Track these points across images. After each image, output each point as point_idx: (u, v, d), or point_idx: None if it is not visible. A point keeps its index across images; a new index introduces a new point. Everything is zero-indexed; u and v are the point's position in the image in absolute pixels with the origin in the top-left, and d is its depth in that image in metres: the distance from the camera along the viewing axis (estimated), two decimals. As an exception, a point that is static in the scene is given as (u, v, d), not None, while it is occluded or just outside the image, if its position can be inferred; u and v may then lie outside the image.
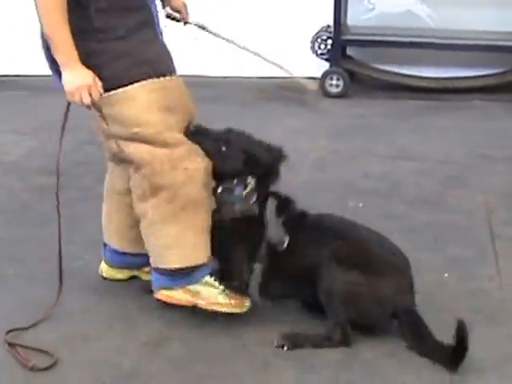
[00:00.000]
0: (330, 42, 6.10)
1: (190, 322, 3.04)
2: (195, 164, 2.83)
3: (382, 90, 6.29)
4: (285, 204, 3.01)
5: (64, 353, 2.86)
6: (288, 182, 3.88)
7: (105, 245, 3.30)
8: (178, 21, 3.21)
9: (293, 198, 3.06)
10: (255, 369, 2.78)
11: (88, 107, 2.79)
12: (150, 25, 2.84)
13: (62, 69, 2.68)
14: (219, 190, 2.91)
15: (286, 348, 2.87)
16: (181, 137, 2.84)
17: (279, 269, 2.94)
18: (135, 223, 3.03)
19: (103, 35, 2.71)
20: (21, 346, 2.86)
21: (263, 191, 2.96)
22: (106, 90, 2.76)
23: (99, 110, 2.86)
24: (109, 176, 3.23)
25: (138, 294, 3.24)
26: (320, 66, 6.20)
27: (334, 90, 6.15)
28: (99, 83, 2.72)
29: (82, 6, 2.68)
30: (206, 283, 2.92)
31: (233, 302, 2.93)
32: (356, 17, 6.25)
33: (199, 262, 2.89)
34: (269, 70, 5.86)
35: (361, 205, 4.17)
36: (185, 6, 3.26)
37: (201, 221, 2.88)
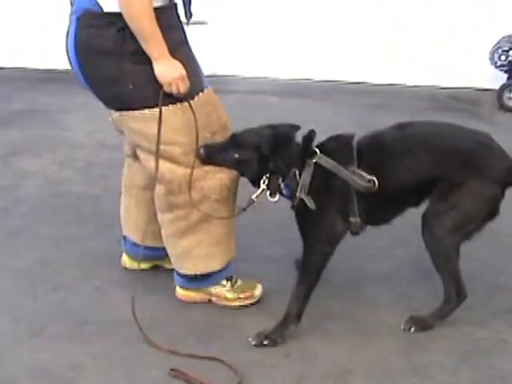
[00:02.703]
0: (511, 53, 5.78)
1: (371, 354, 2.84)
2: (214, 181, 2.91)
3: None
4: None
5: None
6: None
7: (124, 237, 3.34)
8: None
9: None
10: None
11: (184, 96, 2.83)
12: (184, 44, 2.89)
13: (154, 62, 2.73)
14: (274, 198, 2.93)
15: (412, 329, 2.92)
16: None
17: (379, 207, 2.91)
18: (154, 218, 3.10)
19: (139, 57, 2.74)
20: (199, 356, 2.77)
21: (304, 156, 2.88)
22: (135, 108, 2.82)
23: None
24: (127, 170, 3.26)
25: (316, 319, 3.05)
26: (498, 78, 5.92)
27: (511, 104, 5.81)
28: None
29: (118, 27, 2.72)
30: (217, 283, 3.09)
31: (242, 295, 3.09)
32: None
33: (211, 270, 3.06)
34: (442, 80, 6.04)
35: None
36: None
37: (216, 232, 2.99)
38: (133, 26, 2.69)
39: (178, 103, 2.82)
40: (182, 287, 3.13)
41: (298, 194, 2.85)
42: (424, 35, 6.13)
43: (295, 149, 2.91)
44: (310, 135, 2.94)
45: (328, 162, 2.84)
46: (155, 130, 2.80)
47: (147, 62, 2.74)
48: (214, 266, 3.04)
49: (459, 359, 2.79)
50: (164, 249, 3.15)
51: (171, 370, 2.69)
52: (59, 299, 3.18)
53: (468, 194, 2.80)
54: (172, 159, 2.88)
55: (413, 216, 3.58)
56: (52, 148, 5.04)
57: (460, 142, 2.86)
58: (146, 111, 2.81)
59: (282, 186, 2.90)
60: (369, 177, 2.79)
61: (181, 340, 2.89)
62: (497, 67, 5.77)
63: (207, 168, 2.91)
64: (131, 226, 3.28)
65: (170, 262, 3.19)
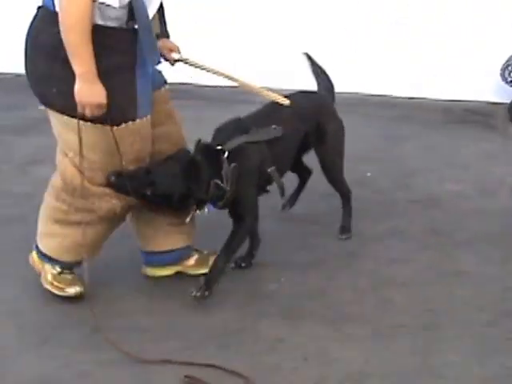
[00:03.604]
0: (520, 69, 5.81)
1: (388, 356, 2.88)
2: (107, 204, 3.01)
3: None
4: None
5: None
6: (484, 207, 4.01)
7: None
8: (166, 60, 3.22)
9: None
10: None
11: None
12: (128, 70, 2.84)
13: (77, 79, 2.71)
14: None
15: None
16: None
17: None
18: (148, 223, 3.24)
19: (71, 65, 2.73)
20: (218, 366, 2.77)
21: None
22: (56, 110, 2.88)
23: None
24: None
25: (334, 323, 3.08)
26: (510, 93, 5.87)
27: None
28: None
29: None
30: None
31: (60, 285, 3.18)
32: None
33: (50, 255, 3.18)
34: (454, 93, 5.92)
35: None
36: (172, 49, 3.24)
37: (90, 236, 3.07)
38: (63, 35, 2.66)
39: (98, 124, 2.83)
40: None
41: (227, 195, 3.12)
42: (424, 35, 6.08)
43: (204, 168, 3.09)
44: (204, 144, 3.17)
45: (235, 141, 3.18)
46: (69, 136, 2.88)
47: None
48: (54, 256, 3.15)
49: (472, 358, 2.84)
50: (173, 251, 3.24)
51: (185, 376, 2.72)
52: (72, 306, 3.18)
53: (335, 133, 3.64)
54: (78, 168, 2.93)
55: (433, 222, 3.84)
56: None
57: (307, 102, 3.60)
58: (65, 117, 2.85)
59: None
60: (273, 126, 3.31)
61: (198, 345, 2.93)
62: (507, 83, 5.77)
63: (108, 191, 2.98)
64: (135, 234, 3.35)
65: (192, 266, 3.30)
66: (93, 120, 2.81)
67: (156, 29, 3.13)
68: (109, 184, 2.96)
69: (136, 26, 2.80)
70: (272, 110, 3.45)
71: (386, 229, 3.87)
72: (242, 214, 3.25)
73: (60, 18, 2.66)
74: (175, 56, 3.20)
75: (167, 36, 3.28)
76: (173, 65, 3.24)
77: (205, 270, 3.24)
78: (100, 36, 2.71)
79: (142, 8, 2.75)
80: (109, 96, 2.78)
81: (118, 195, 3.00)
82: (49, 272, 3.19)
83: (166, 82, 3.17)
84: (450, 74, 6.03)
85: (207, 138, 3.28)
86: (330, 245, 3.69)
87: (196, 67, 3.27)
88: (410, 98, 6.02)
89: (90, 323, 2.98)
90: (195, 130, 3.37)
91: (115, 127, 2.85)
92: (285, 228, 3.84)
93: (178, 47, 3.23)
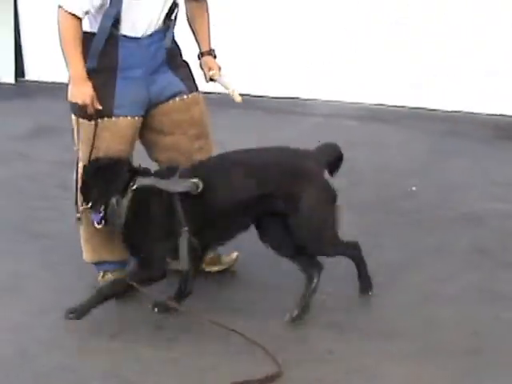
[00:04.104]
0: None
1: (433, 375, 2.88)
2: None
3: None
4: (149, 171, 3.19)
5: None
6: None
7: None
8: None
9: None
10: None
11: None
12: (106, 71, 3.17)
13: (70, 80, 3.15)
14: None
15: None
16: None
17: (208, 220, 3.09)
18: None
19: None
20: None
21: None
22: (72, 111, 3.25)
23: None
24: None
25: (377, 338, 3.09)
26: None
27: None
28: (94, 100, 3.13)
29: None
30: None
31: None
32: None
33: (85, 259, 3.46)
34: (507, 109, 5.92)
35: None
36: (209, 68, 3.45)
37: (85, 231, 3.36)
38: (60, 44, 3.10)
39: (83, 119, 3.17)
40: None
41: (117, 220, 3.07)
42: (424, 35, 6.08)
43: (115, 179, 3.12)
44: (133, 167, 3.19)
45: (147, 180, 3.08)
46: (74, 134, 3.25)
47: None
48: (85, 257, 3.43)
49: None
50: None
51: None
52: (136, 304, 3.27)
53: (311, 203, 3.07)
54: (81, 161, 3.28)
55: (478, 241, 3.85)
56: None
57: (275, 159, 3.14)
58: (72, 116, 3.26)
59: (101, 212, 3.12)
60: (193, 180, 3.00)
61: (246, 351, 2.96)
62: None
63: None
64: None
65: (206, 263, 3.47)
66: (77, 114, 3.19)
67: (204, 46, 3.42)
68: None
69: (121, 33, 3.14)
70: (225, 161, 3.18)
71: (432, 244, 3.89)
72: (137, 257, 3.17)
73: (58, 30, 3.11)
74: (212, 74, 3.40)
75: (214, 55, 3.46)
76: (207, 82, 3.47)
77: (217, 268, 3.52)
78: (88, 41, 3.12)
79: (107, 16, 3.10)
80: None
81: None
82: (98, 277, 3.45)
83: (181, 93, 3.33)
84: (449, 74, 6.04)
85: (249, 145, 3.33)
86: (379, 256, 3.68)
87: (225, 88, 3.40)
88: (457, 111, 6.03)
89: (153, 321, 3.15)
90: (247, 138, 3.42)
91: (92, 121, 3.16)
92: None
93: (219, 67, 3.45)
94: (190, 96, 3.35)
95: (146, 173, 3.16)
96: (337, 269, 3.52)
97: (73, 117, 3.25)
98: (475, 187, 4.61)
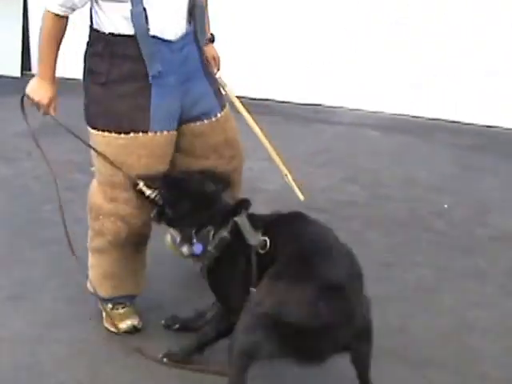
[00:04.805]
0: None
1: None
2: (112, 225, 2.92)
3: None
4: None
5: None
6: None
7: None
8: None
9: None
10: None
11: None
12: (138, 78, 2.79)
13: (35, 76, 2.92)
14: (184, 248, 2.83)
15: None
16: (121, 196, 2.89)
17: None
18: None
19: (91, 77, 2.86)
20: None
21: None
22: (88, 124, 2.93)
23: None
24: None
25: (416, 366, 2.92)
26: None
27: None
28: (53, 105, 2.92)
29: (89, 46, 2.88)
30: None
31: (108, 322, 3.13)
32: None
33: (98, 295, 3.11)
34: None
35: None
36: (214, 58, 3.27)
37: (104, 266, 3.04)
38: (38, 41, 2.88)
39: (105, 131, 2.84)
40: None
41: (209, 248, 2.73)
42: (424, 35, 6.05)
43: (217, 207, 2.78)
44: (245, 202, 2.81)
45: (244, 223, 2.69)
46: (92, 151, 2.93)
47: (95, 83, 2.82)
48: (101, 293, 3.09)
49: None
50: None
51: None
52: (155, 318, 3.16)
53: None
54: (96, 179, 2.97)
55: None
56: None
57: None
58: (89, 129, 2.91)
59: (194, 241, 2.77)
60: (262, 237, 2.63)
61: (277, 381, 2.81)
62: None
63: (114, 211, 2.89)
64: None
65: None
66: (98, 127, 2.85)
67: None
68: (134, 186, 2.84)
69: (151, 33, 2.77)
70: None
71: (466, 266, 3.72)
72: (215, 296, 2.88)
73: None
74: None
75: (213, 40, 3.24)
76: None
77: None
78: (110, 44, 2.77)
79: (138, 14, 2.72)
80: (119, 103, 2.80)
81: (124, 218, 2.91)
82: (103, 311, 3.15)
83: (215, 111, 3.03)
84: (449, 74, 6.02)
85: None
86: (407, 277, 3.54)
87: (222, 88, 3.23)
88: (488, 126, 5.90)
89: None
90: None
91: (122, 135, 2.81)
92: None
93: (219, 58, 3.28)
94: (223, 114, 3.05)
95: (245, 202, 2.82)
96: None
97: (92, 131, 2.89)
98: (509, 206, 4.42)
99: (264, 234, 2.64)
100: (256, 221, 2.72)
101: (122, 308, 3.11)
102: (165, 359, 2.90)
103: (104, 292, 3.07)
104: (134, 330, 3.08)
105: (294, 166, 3.72)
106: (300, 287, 2.42)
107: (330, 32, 6.25)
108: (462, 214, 4.29)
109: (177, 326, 3.11)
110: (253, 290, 2.61)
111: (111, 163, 2.82)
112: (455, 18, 6.00)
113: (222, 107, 3.05)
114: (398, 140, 5.57)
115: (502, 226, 4.16)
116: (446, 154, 5.28)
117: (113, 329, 3.08)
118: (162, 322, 3.13)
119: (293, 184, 3.37)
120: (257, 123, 3.25)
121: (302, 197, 3.29)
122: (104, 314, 3.12)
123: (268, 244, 2.61)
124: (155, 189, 2.82)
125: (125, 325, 3.08)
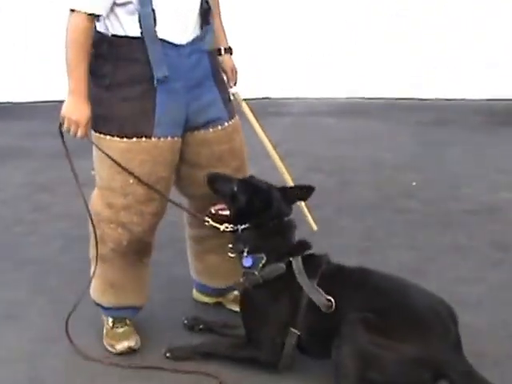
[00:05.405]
0: None
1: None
2: (113, 233, 2.83)
3: None
4: (311, 259, 2.71)
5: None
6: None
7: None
8: None
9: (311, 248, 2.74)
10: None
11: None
12: (143, 82, 2.68)
13: (68, 94, 2.67)
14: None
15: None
16: (119, 202, 2.78)
17: (320, 330, 2.63)
18: (199, 257, 3.16)
19: (94, 79, 2.69)
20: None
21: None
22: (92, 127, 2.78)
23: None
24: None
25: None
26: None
27: None
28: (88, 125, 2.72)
29: (92, 48, 2.67)
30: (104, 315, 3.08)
31: (106, 340, 3.03)
32: None
33: (99, 303, 3.03)
34: (499, 92, 5.97)
35: None
36: (232, 70, 3.09)
37: (109, 275, 2.95)
38: (65, 51, 2.65)
39: (107, 135, 2.72)
40: None
41: (256, 272, 2.67)
42: (424, 27, 6.14)
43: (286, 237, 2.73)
44: (306, 245, 2.73)
45: (299, 267, 2.64)
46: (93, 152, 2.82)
47: (98, 86, 2.69)
48: (102, 301, 3.00)
49: None
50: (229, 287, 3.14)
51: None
52: (151, 331, 3.06)
53: None
54: (97, 185, 2.85)
55: (495, 235, 3.62)
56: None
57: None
58: (93, 133, 2.78)
59: (245, 253, 2.71)
60: (328, 297, 2.57)
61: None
62: None
63: (113, 217, 2.80)
64: (202, 271, 3.23)
65: (231, 300, 3.20)
66: (100, 130, 2.73)
67: (222, 41, 3.04)
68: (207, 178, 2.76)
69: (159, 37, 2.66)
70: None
71: (445, 243, 3.61)
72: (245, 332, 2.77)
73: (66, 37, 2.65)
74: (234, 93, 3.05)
75: (230, 52, 3.10)
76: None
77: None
78: (114, 46, 2.66)
79: (146, 15, 2.62)
80: (122, 106, 2.69)
81: (124, 225, 2.81)
82: (104, 326, 3.05)
83: (222, 120, 2.89)
84: (449, 65, 6.09)
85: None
86: (388, 262, 3.36)
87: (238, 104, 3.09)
88: (446, 99, 5.93)
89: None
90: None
91: (125, 139, 2.70)
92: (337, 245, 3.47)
93: (236, 71, 3.10)
94: (231, 123, 2.90)
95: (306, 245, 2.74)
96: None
97: (95, 134, 2.76)
98: (480, 177, 4.35)
99: (320, 285, 2.59)
100: (310, 265, 2.65)
101: (122, 327, 3.01)
102: (168, 354, 2.84)
103: (106, 301, 2.98)
104: (130, 351, 2.94)
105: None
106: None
107: (330, 24, 6.29)
108: (433, 191, 4.20)
109: (201, 326, 3.02)
110: (294, 331, 2.61)
111: (138, 179, 2.71)
112: (455, 10, 6.06)
113: (231, 117, 2.91)
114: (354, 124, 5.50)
115: (475, 199, 4.09)
116: (408, 131, 5.20)
117: (110, 348, 2.97)
118: (185, 321, 3.04)
119: (306, 212, 3.11)
120: (266, 135, 3.07)
121: (315, 227, 3.10)
122: (105, 330, 3.02)
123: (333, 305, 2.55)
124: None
125: (121, 346, 2.95)
